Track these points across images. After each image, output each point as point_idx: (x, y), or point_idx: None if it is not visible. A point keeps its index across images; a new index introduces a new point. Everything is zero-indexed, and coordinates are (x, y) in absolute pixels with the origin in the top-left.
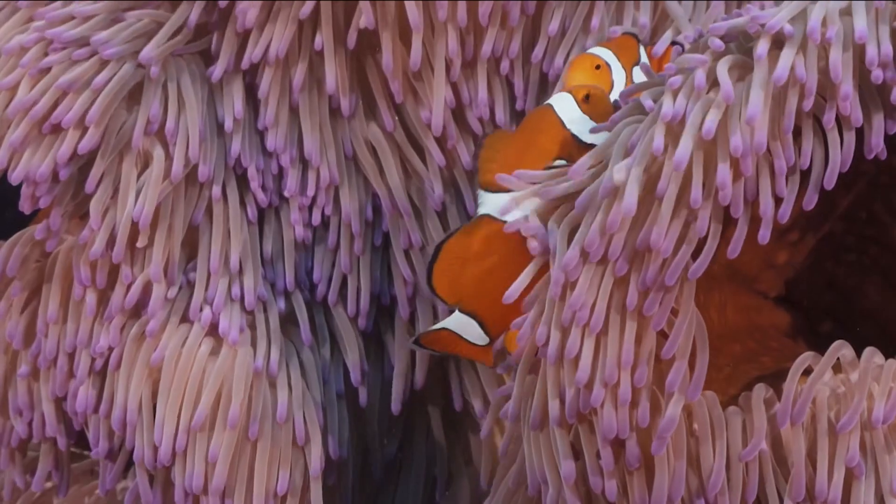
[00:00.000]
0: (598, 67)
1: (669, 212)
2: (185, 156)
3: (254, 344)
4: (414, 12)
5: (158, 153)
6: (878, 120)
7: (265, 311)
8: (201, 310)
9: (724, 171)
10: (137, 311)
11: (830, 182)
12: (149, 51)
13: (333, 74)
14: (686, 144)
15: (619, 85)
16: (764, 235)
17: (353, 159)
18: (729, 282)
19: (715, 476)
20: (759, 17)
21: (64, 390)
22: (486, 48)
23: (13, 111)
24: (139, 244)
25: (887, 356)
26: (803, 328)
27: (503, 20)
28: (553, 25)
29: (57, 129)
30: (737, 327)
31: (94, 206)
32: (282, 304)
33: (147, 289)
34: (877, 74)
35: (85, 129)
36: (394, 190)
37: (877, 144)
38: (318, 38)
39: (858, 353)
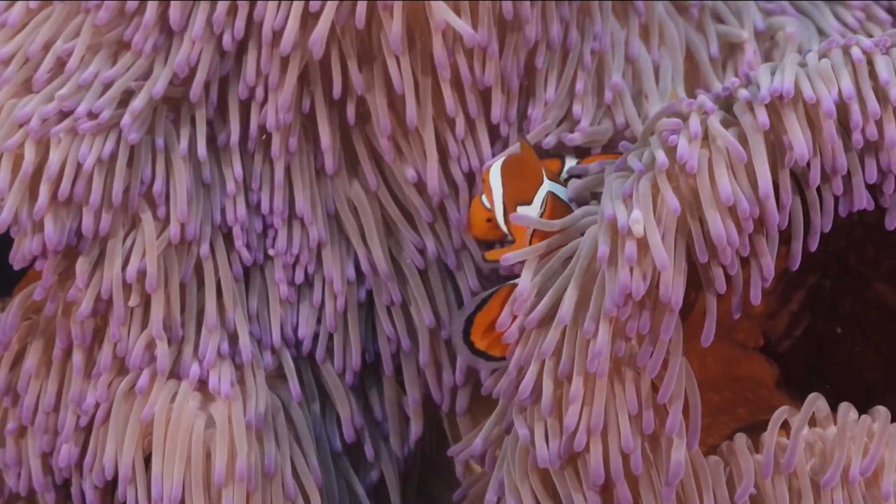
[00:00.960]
0: (489, 220)
1: (672, 265)
2: (176, 217)
3: (243, 399)
4: (397, 77)
5: (147, 214)
6: (859, 180)
7: (252, 366)
8: (191, 365)
9: (732, 231)
10: (122, 367)
11: (813, 244)
12: (202, 149)
13: (327, 135)
14: (714, 218)
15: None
16: (756, 296)
17: (334, 218)
18: None
19: None
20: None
21: (51, 446)
22: (496, 112)
23: (28, 176)
24: (131, 303)
25: (862, 404)
26: (779, 379)
27: (503, 85)
28: (549, 92)
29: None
30: (716, 377)
31: (81, 266)
32: (268, 359)
33: (140, 346)
34: (857, 139)
35: (104, 205)
36: (374, 250)
37: (859, 203)
38: (305, 101)
39: (833, 404)
